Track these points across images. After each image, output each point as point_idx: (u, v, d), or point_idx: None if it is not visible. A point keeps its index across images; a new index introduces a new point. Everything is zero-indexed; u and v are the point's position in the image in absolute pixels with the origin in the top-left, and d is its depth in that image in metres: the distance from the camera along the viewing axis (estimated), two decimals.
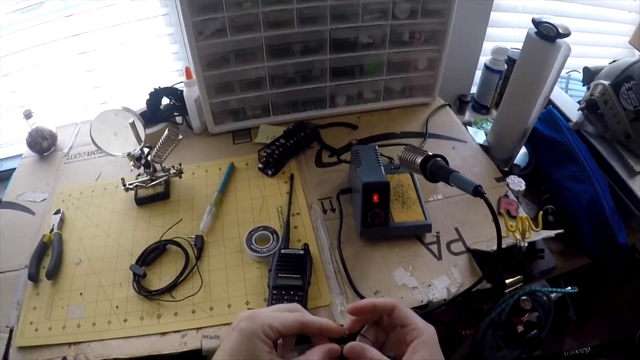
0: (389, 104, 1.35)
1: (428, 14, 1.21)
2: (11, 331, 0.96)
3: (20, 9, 1.39)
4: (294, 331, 0.58)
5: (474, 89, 1.67)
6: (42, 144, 1.35)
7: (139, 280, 0.98)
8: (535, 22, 1.06)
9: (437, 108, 1.37)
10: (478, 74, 1.63)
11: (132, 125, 1.06)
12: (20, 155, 1.44)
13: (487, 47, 1.59)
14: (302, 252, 0.94)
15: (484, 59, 1.57)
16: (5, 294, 1.02)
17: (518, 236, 0.93)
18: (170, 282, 0.96)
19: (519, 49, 1.48)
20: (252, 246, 0.98)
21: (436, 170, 0.89)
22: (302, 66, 1.23)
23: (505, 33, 1.65)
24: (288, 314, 0.58)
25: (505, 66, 1.50)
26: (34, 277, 1.03)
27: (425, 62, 1.31)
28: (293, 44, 1.20)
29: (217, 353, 0.55)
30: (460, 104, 1.61)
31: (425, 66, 1.32)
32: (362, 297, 0.90)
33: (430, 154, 0.91)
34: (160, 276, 0.99)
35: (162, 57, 1.47)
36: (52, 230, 1.12)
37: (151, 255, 1.02)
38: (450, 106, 1.39)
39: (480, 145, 1.26)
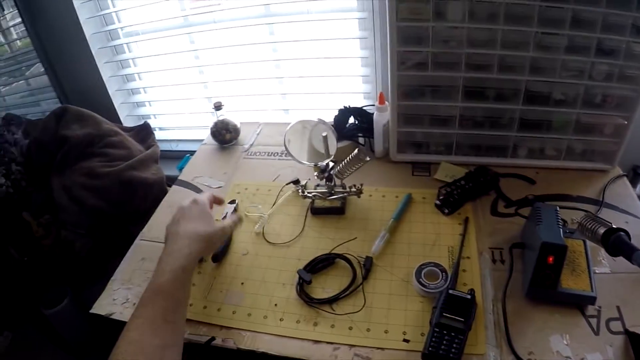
0: (568, 164, 1.31)
1: (624, 79, 1.16)
2: None
3: (228, 9, 1.51)
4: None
5: None
6: (225, 136, 1.46)
7: (302, 284, 1.02)
8: None
9: (615, 177, 1.31)
10: None
11: (325, 138, 1.12)
12: (198, 140, 1.56)
13: None
14: (469, 296, 0.94)
15: None
16: None
17: None
18: (333, 295, 0.99)
19: None
20: (421, 280, 0.99)
21: (619, 244, 0.86)
22: (492, 112, 1.24)
23: None
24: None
25: None
26: None
27: (612, 127, 1.26)
28: (488, 89, 1.20)
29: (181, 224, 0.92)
30: (634, 175, 1.54)
31: (611, 131, 1.27)
32: (515, 354, 0.88)
33: (614, 226, 0.88)
34: (324, 287, 1.03)
35: (350, 78, 1.54)
36: (224, 217, 1.20)
37: (320, 265, 1.06)
38: (627, 177, 1.33)
39: None
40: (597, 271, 1.05)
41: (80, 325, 1.77)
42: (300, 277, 1.02)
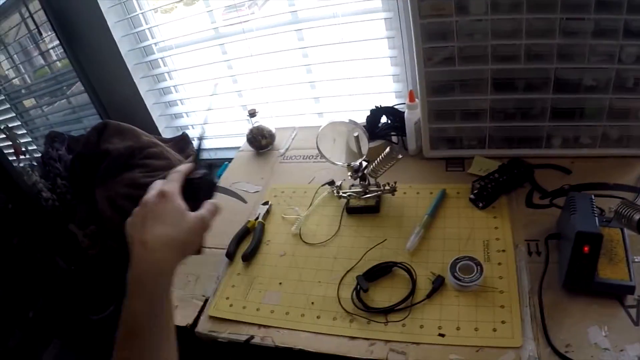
0: (604, 152, 1.28)
1: None
2: (206, 300, 1.08)
3: (256, 18, 1.54)
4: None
5: None
6: (261, 142, 1.50)
7: (359, 292, 1.01)
8: None
9: None
10: None
11: (357, 138, 1.14)
12: (235, 148, 1.60)
13: None
14: None
15: None
16: (207, 267, 1.16)
17: None
18: (390, 305, 0.97)
19: None
20: (456, 274, 0.99)
21: None
22: (523, 103, 1.23)
23: None
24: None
25: None
26: (230, 256, 1.17)
27: None
28: (517, 80, 1.20)
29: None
30: None
31: None
32: (553, 347, 0.87)
33: None
34: (379, 295, 1.02)
35: (381, 78, 1.56)
36: (257, 218, 1.25)
37: (378, 273, 1.05)
38: None
39: None
40: (636, 260, 1.02)
41: None
42: (358, 284, 1.01)
